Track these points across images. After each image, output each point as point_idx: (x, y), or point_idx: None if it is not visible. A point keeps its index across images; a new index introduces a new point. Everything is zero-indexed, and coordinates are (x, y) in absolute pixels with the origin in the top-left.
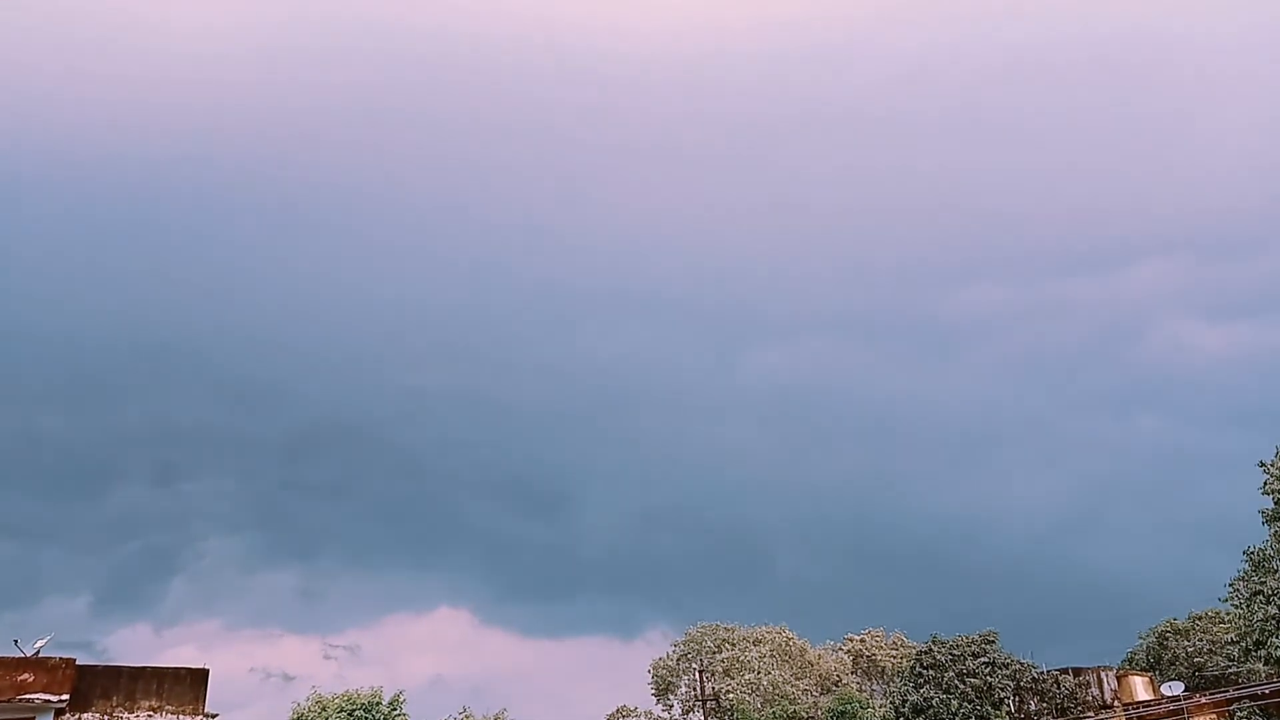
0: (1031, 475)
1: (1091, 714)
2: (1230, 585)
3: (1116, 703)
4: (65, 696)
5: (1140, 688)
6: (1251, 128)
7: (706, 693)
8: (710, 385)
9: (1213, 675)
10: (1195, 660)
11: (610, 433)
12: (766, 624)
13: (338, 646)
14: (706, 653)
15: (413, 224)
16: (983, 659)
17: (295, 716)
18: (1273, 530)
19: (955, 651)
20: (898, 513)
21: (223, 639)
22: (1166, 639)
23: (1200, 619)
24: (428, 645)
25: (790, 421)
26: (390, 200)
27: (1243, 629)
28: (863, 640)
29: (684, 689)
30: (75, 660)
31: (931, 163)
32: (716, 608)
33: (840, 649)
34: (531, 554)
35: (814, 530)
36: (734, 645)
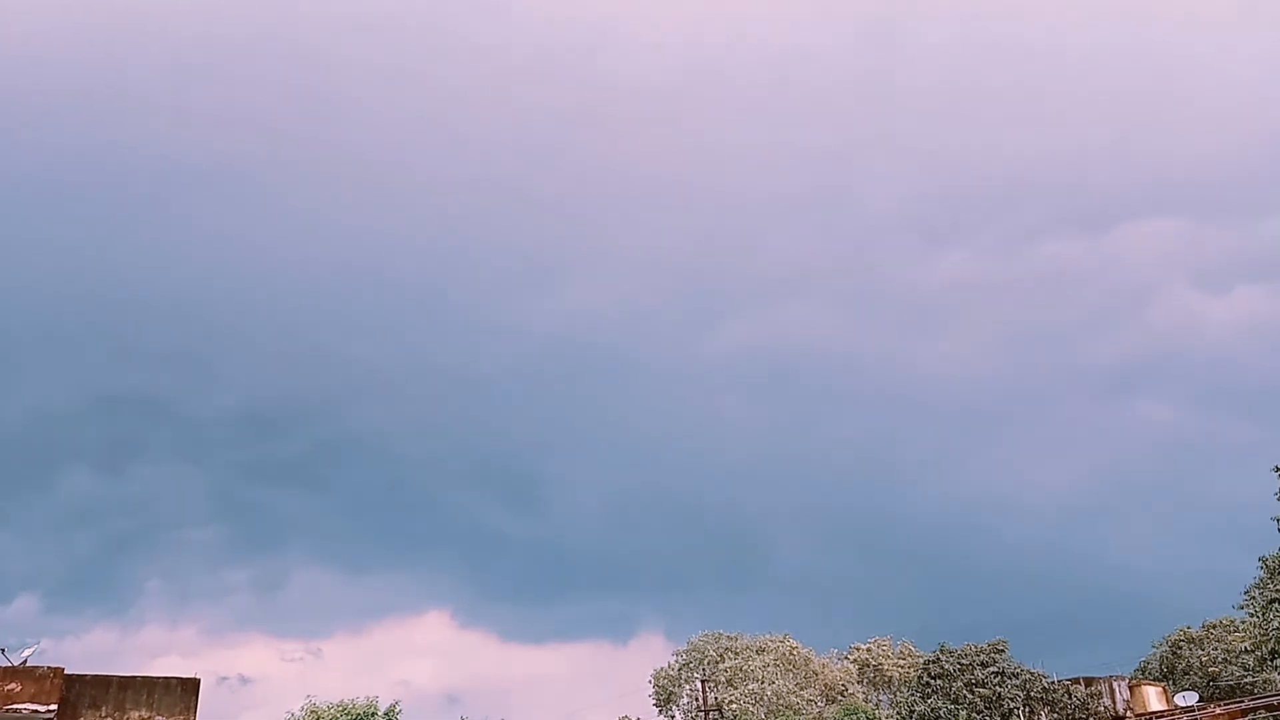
0: (1037, 462)
1: None
2: (1245, 593)
3: (1129, 713)
4: (53, 706)
5: (1153, 698)
6: (1248, 77)
7: (709, 703)
8: (685, 351)
9: (1227, 685)
10: (1209, 669)
11: (583, 406)
12: (770, 633)
13: (302, 649)
14: (709, 662)
15: (360, 183)
16: (992, 668)
17: None
18: None
19: (964, 661)
20: (900, 498)
21: (180, 640)
22: (1180, 647)
23: (1214, 627)
24: (402, 649)
25: (779, 394)
26: (337, 159)
27: (1258, 638)
28: (869, 649)
29: (686, 699)
30: (64, 670)
31: (910, 120)
32: (711, 605)
33: (846, 658)
34: (513, 549)
35: (811, 518)
36: (737, 654)
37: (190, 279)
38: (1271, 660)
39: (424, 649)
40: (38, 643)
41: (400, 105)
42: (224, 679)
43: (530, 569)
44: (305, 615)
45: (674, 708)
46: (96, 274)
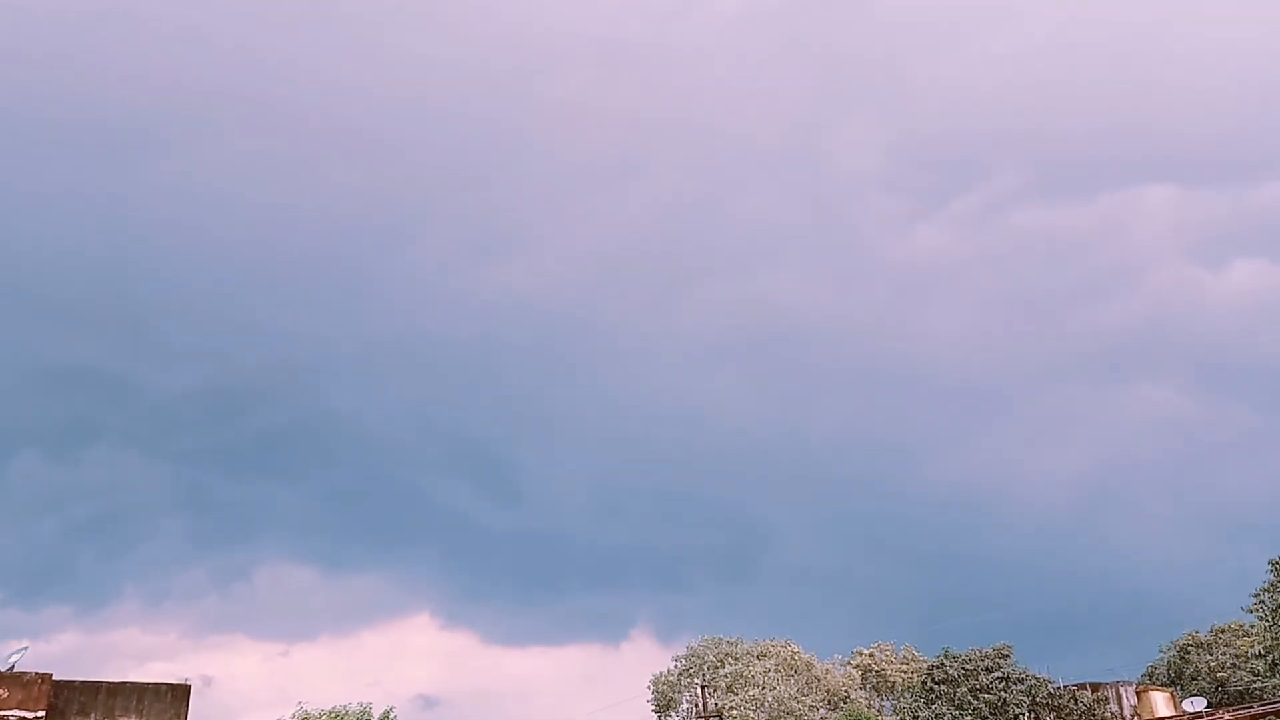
0: (1037, 447)
1: None
2: (1255, 596)
3: (1136, 719)
4: (41, 713)
5: (1161, 704)
6: (1236, 37)
7: (709, 709)
8: (660, 321)
9: (1236, 690)
10: (1218, 675)
11: (558, 381)
12: (770, 636)
13: (274, 651)
14: (709, 667)
15: (313, 150)
16: (997, 674)
17: None
18: None
19: (968, 666)
20: (896, 484)
21: (148, 639)
22: (1188, 652)
23: (1223, 632)
24: (381, 651)
25: (764, 368)
26: (290, 124)
27: (1268, 642)
28: (871, 654)
29: (686, 705)
30: (51, 675)
31: (888, 84)
32: (705, 604)
33: (848, 663)
34: (494, 543)
35: (805, 504)
36: (738, 660)
37: (138, 247)
38: None
39: (404, 651)
40: (25, 647)
41: (349, 70)
42: (186, 679)
43: (513, 565)
44: (276, 615)
45: (673, 714)
46: (35, 238)
